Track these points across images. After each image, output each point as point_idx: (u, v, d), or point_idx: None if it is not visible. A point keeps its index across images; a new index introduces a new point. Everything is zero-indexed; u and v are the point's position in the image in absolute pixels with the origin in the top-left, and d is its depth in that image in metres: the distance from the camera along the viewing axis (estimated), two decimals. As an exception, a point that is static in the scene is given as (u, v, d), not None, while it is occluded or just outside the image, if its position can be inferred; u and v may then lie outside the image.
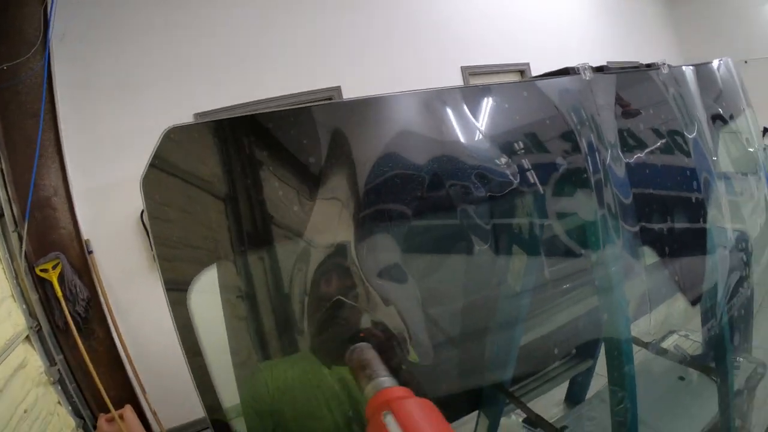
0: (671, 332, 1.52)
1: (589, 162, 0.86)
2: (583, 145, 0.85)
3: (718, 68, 1.58)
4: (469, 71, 3.93)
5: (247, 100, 2.75)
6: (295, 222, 0.73)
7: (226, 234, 0.72)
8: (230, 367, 0.74)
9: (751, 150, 1.64)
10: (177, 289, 0.69)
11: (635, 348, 1.30)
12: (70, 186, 2.55)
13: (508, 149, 0.77)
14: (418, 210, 0.73)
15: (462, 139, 0.74)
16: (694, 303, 1.23)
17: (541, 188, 0.81)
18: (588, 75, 0.91)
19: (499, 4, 4.40)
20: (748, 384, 1.71)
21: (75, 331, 2.52)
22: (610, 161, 0.90)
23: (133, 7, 2.56)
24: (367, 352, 0.66)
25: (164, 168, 0.69)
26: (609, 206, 0.88)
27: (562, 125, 0.84)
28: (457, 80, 3.90)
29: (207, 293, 0.72)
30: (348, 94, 3.14)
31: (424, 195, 0.72)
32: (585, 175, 0.86)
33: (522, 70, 4.44)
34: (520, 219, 0.81)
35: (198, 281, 0.71)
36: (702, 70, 1.35)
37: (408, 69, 3.55)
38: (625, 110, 1.14)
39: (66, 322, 2.53)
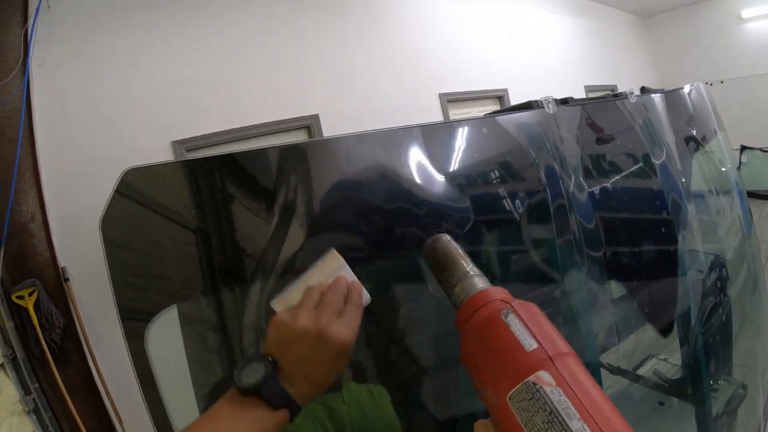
0: (650, 356, 1.51)
1: (549, 193, 0.86)
2: (545, 176, 0.85)
3: (690, 93, 1.61)
4: (447, 98, 3.96)
5: (226, 128, 2.73)
6: (252, 260, 0.72)
7: (186, 272, 0.72)
8: (189, 400, 0.73)
9: (724, 170, 1.66)
10: (134, 325, 0.70)
11: (613, 375, 1.29)
12: (48, 212, 2.51)
13: (468, 185, 0.77)
14: (377, 248, 0.72)
15: (420, 178, 0.74)
16: (664, 333, 1.22)
17: (502, 221, 0.80)
18: (551, 108, 0.91)
19: (477, 32, 4.47)
20: (729, 406, 1.70)
21: (51, 360, 2.46)
22: (574, 190, 0.90)
23: (111, 34, 2.56)
24: (451, 244, 0.58)
25: (122, 209, 0.69)
26: (574, 233, 0.88)
27: (524, 159, 0.84)
28: (436, 107, 3.93)
29: (163, 329, 0.72)
30: (327, 121, 3.14)
31: (381, 234, 0.71)
32: (549, 206, 0.86)
33: (500, 96, 4.50)
34: (484, 252, 0.80)
35: (154, 319, 0.71)
36: (672, 96, 1.37)
37: (386, 96, 3.57)
38: (599, 138, 1.15)
39: (42, 351, 2.47)
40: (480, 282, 0.50)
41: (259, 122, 2.85)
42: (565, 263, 0.88)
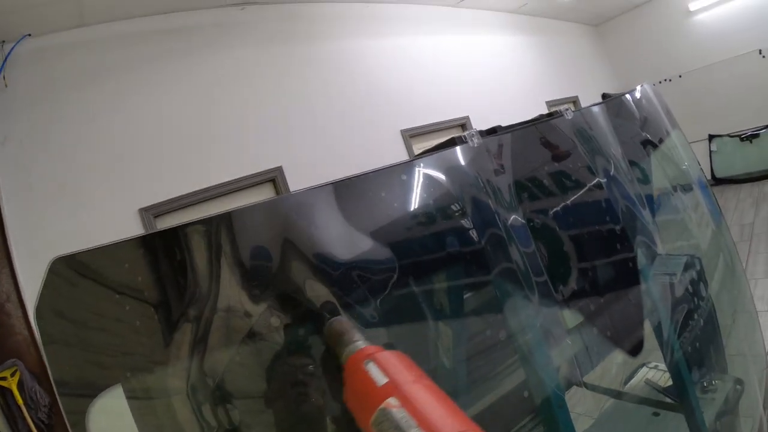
0: (642, 365, 1.47)
1: (481, 228, 0.84)
2: (475, 212, 0.83)
3: (640, 96, 1.62)
4: (408, 134, 3.97)
5: (192, 190, 2.73)
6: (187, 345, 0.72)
7: (123, 350, 0.73)
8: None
9: (683, 167, 1.65)
10: (76, 411, 0.70)
11: (605, 389, 1.25)
12: (22, 291, 2.47)
13: (388, 236, 0.75)
14: (298, 315, 0.72)
15: (335, 238, 0.73)
16: (633, 353, 1.19)
17: (431, 269, 0.78)
18: (475, 142, 0.90)
19: (433, 64, 4.53)
20: (728, 403, 1.66)
21: (39, 441, 2.39)
22: (512, 220, 0.88)
23: (70, 105, 2.57)
24: (344, 323, 0.69)
25: (54, 298, 0.70)
26: (518, 265, 0.86)
27: (448, 198, 0.83)
28: (399, 144, 3.94)
29: (107, 411, 0.72)
30: (290, 172, 3.16)
31: (303, 300, 0.71)
32: (482, 244, 0.84)
33: (462, 124, 4.52)
34: (418, 303, 0.78)
35: (96, 401, 0.71)
36: (615, 103, 1.37)
37: (347, 139, 3.60)
38: (554, 156, 1.14)
39: (29, 430, 2.41)
40: (360, 345, 0.61)
41: (223, 180, 2.86)
42: (509, 299, 0.85)
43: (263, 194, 3.04)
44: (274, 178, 3.06)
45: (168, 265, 0.70)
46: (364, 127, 3.73)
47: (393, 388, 0.48)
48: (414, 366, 0.53)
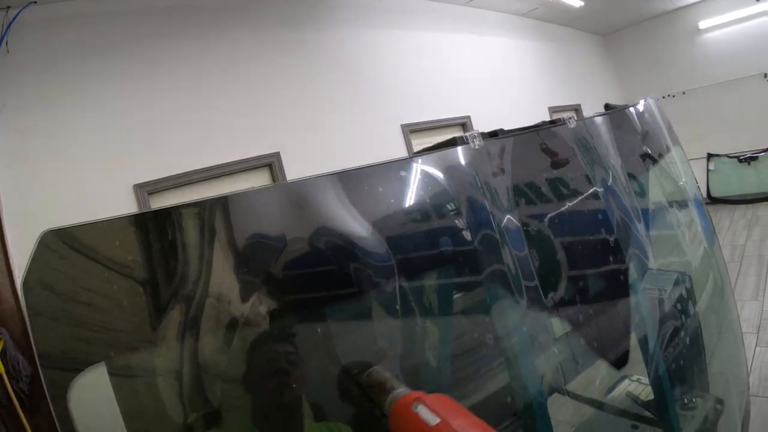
0: (624, 377, 1.48)
1: (476, 230, 0.84)
2: (472, 214, 0.83)
3: (641, 109, 1.62)
4: (409, 129, 3.97)
5: (187, 170, 2.71)
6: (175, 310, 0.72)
7: (112, 327, 0.72)
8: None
9: (680, 183, 1.66)
10: (58, 386, 0.70)
11: (587, 399, 1.26)
12: (11, 259, 2.46)
13: (388, 233, 0.75)
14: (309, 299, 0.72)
15: (342, 227, 0.73)
16: (618, 365, 1.20)
17: (426, 268, 0.78)
18: (477, 144, 0.90)
19: (438, 61, 4.51)
20: (707, 422, 1.67)
21: (19, 408, 2.39)
22: (507, 224, 0.88)
23: (71, 77, 2.54)
24: (383, 371, 0.73)
25: (43, 271, 0.69)
26: (509, 268, 0.86)
27: (446, 196, 0.82)
28: (398, 138, 3.93)
29: (89, 387, 0.72)
30: (288, 158, 3.14)
31: (304, 288, 0.71)
32: (476, 245, 0.84)
33: (463, 123, 4.52)
34: (413, 302, 0.78)
35: (78, 378, 0.71)
36: (618, 115, 1.37)
37: (347, 130, 3.58)
38: (553, 162, 1.14)
39: (9, 399, 2.41)
40: (403, 392, 0.64)
41: (220, 162, 2.83)
42: (498, 302, 0.86)
43: (260, 179, 3.02)
44: (271, 163, 3.04)
45: (160, 245, 0.69)
46: (364, 119, 3.71)
47: (446, 427, 0.51)
48: (459, 406, 0.58)
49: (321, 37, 3.65)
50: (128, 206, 2.53)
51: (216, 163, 2.82)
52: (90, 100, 2.58)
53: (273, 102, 3.23)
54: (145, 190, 2.54)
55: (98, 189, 2.47)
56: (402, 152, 3.80)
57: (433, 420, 0.53)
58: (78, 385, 0.70)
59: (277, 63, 3.33)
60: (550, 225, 1.00)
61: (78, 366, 0.71)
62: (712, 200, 6.97)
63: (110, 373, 0.72)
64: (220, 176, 2.82)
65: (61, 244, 0.70)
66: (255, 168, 3.00)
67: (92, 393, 0.74)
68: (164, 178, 2.62)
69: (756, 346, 3.27)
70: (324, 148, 3.38)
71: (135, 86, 2.70)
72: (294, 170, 3.12)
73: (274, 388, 0.76)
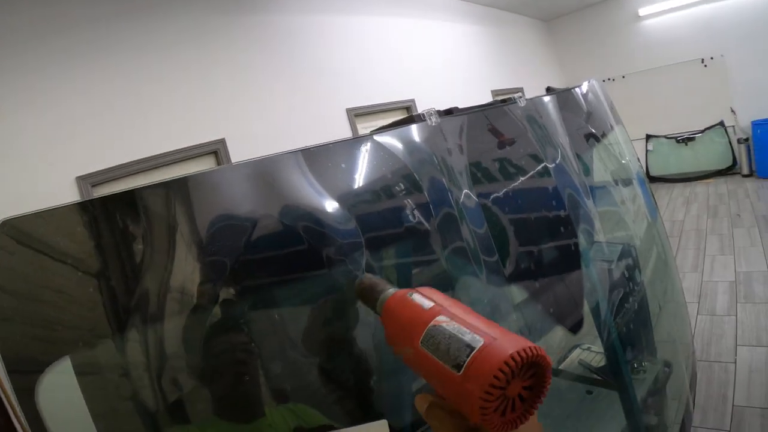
0: (575, 347, 1.55)
1: (435, 206, 0.86)
2: (430, 189, 0.85)
3: (587, 90, 1.69)
4: (354, 113, 3.99)
5: (130, 159, 2.60)
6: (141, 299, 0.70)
7: (75, 319, 0.70)
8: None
9: (624, 162, 1.75)
10: (24, 378, 0.67)
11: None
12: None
13: (351, 207, 0.76)
14: (274, 273, 0.73)
15: (301, 204, 0.73)
16: (573, 330, 1.26)
17: (387, 242, 0.80)
18: (434, 121, 0.92)
19: (382, 45, 4.54)
20: (657, 384, 1.78)
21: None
22: (464, 200, 0.90)
23: (7, 71, 2.38)
24: (373, 277, 0.74)
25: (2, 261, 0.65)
26: (468, 243, 0.88)
27: (406, 172, 0.84)
28: (344, 122, 3.95)
29: (56, 386, 0.69)
30: (233, 144, 3.09)
31: (270, 265, 0.71)
32: (435, 220, 0.86)
33: (408, 107, 4.58)
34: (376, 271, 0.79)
35: (46, 370, 0.68)
36: (564, 96, 1.43)
37: (292, 114, 3.55)
38: (500, 142, 1.17)
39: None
40: (395, 290, 0.66)
41: (164, 151, 2.74)
42: (459, 274, 0.88)
43: (205, 166, 2.94)
44: (216, 150, 2.97)
45: (120, 231, 0.67)
46: (309, 103, 3.69)
47: (439, 309, 0.53)
48: (450, 297, 0.59)
49: (265, 22, 3.58)
50: (71, 199, 2.40)
51: (161, 152, 2.72)
52: (26, 92, 2.39)
53: (217, 88, 3.14)
54: (88, 182, 2.41)
55: (39, 181, 2.31)
56: (348, 135, 3.80)
57: (428, 304, 0.55)
58: (45, 385, 0.68)
59: (220, 48, 3.24)
60: (505, 200, 1.03)
61: (40, 367, 0.67)
62: (651, 179, 7.34)
63: (75, 371, 0.69)
64: (166, 165, 2.72)
65: (8, 238, 0.65)
66: (201, 155, 2.92)
67: (60, 391, 0.70)
68: (108, 168, 2.49)
69: (698, 314, 3.50)
70: (269, 133, 3.34)
71: (72, 76, 2.54)
72: (240, 156, 3.04)
73: (237, 374, 0.76)
